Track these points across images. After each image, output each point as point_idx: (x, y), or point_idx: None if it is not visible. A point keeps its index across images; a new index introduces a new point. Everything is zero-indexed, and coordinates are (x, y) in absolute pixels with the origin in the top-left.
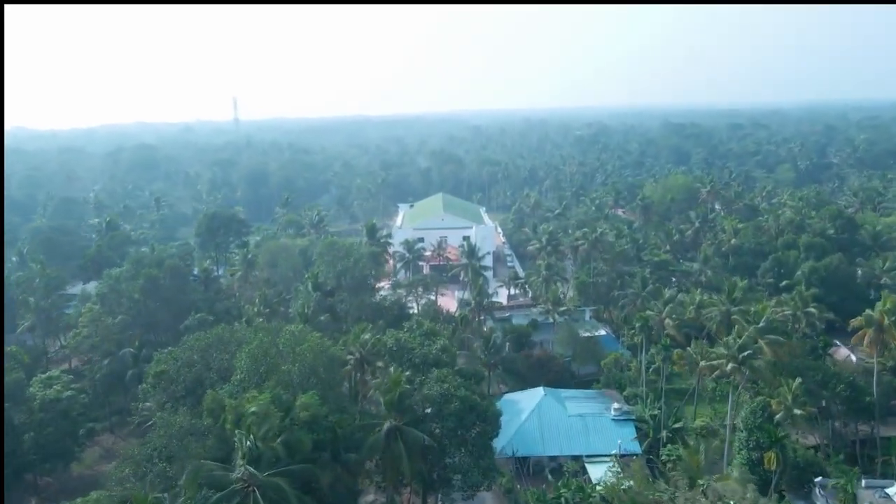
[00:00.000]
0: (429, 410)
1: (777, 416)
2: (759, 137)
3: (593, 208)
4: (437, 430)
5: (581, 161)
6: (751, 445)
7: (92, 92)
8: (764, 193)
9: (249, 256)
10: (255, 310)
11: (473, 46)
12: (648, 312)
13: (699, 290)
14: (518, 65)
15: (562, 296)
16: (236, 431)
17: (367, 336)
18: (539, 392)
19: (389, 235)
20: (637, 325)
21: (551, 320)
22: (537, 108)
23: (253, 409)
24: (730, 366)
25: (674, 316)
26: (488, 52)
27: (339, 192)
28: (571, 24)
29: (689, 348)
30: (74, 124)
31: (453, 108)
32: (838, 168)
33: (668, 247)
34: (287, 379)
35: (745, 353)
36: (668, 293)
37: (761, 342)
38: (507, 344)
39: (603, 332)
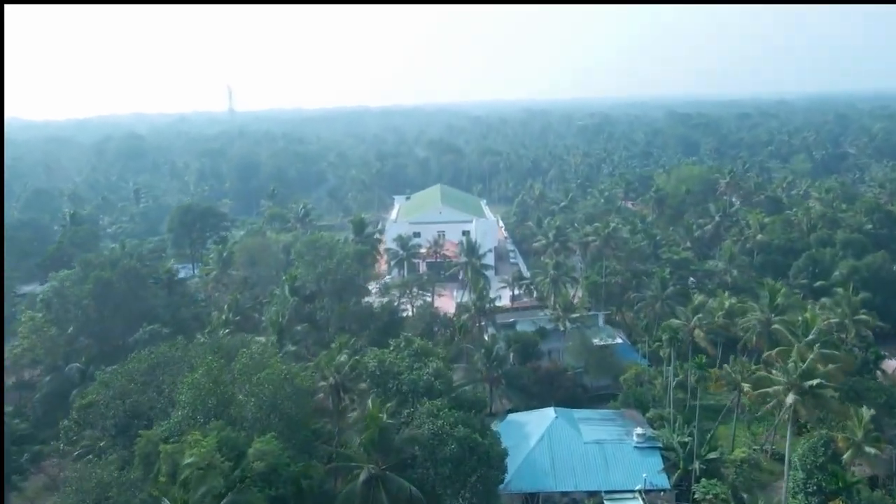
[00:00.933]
0: (418, 451)
1: (845, 456)
2: (770, 127)
3: (602, 201)
4: (431, 474)
5: (586, 151)
6: (810, 489)
7: (89, 83)
8: (784, 185)
9: (225, 254)
10: (224, 318)
11: (473, 46)
12: (675, 321)
13: (726, 292)
14: (518, 64)
15: (572, 299)
16: (165, 497)
17: (343, 358)
18: (549, 414)
19: (381, 230)
20: (665, 337)
21: (561, 328)
22: (538, 100)
23: (189, 459)
24: (791, 397)
25: (704, 324)
26: (488, 51)
27: (335, 182)
28: (571, 24)
29: (726, 366)
30: (70, 115)
31: (453, 100)
32: (855, 158)
33: (688, 243)
34: (242, 414)
35: (813, 383)
36: (697, 299)
37: (821, 366)
38: (512, 354)
39: (619, 341)
